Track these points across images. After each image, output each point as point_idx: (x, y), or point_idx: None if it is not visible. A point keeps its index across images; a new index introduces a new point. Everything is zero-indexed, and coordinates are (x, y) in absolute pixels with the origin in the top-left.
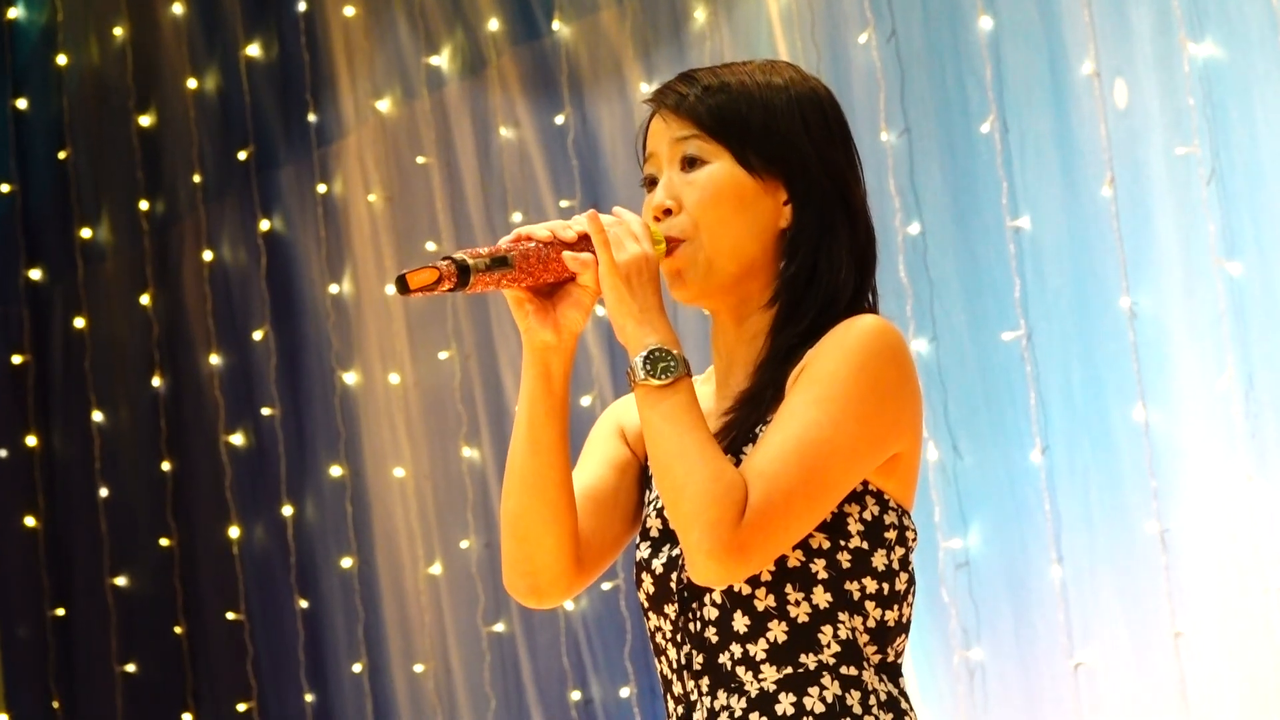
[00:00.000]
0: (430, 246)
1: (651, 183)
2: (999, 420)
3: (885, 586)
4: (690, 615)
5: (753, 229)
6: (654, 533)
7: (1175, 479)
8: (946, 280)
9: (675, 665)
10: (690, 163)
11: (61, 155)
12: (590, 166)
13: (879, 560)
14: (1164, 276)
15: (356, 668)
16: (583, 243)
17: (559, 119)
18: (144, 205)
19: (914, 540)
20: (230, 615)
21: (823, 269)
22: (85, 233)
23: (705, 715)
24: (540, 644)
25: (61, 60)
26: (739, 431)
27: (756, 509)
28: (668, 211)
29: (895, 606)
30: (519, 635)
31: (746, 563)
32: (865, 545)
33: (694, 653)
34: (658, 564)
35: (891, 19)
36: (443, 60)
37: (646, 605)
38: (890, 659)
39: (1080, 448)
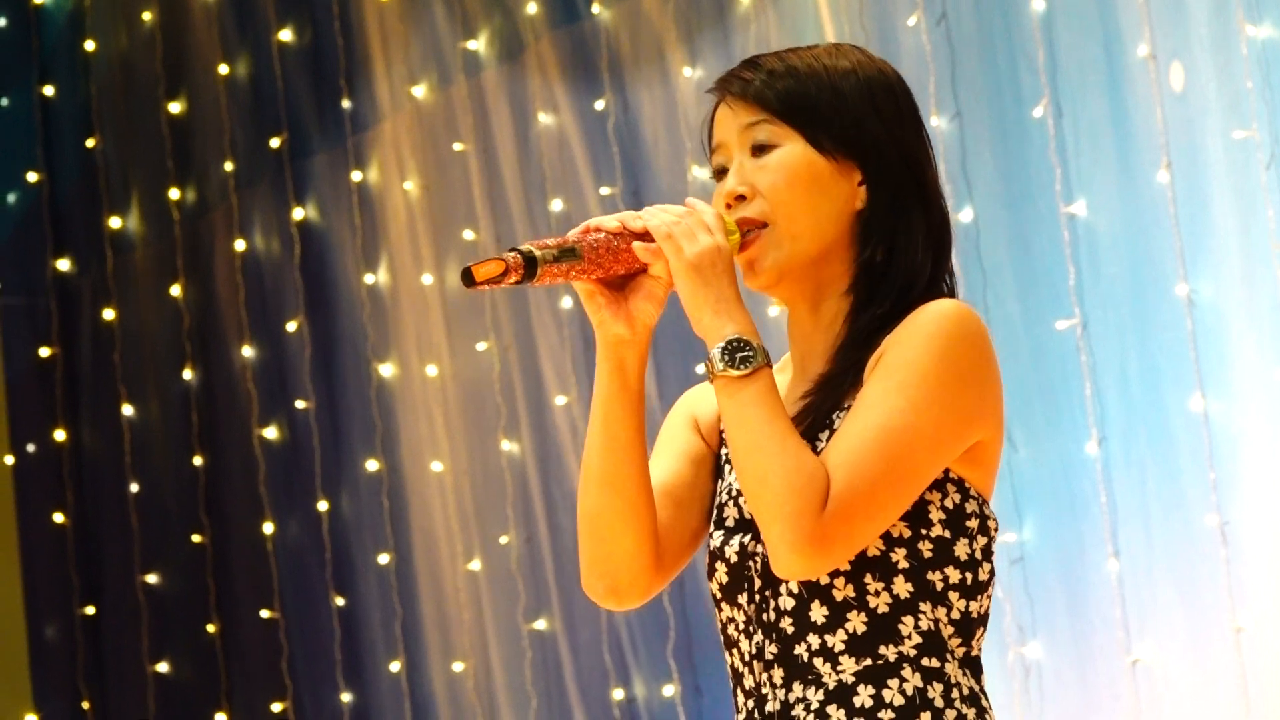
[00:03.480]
0: (468, 235)
1: (721, 173)
2: (1054, 411)
3: (969, 576)
4: (765, 605)
5: (829, 211)
6: (729, 521)
7: (1235, 470)
8: (999, 268)
9: (747, 658)
10: (760, 148)
11: (90, 143)
12: (631, 153)
13: (961, 549)
14: (1222, 263)
15: (394, 666)
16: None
17: (599, 104)
18: (174, 194)
19: (996, 530)
20: (264, 613)
21: (899, 252)
22: (114, 222)
23: (779, 707)
24: (582, 641)
25: (89, 46)
26: (815, 417)
27: (840, 499)
28: (740, 198)
29: (978, 597)
30: (560, 632)
31: (830, 554)
32: (947, 534)
33: (768, 644)
34: (731, 552)
35: (942, 1)
36: (480, 45)
37: (719, 596)
38: (973, 653)
39: (1137, 439)
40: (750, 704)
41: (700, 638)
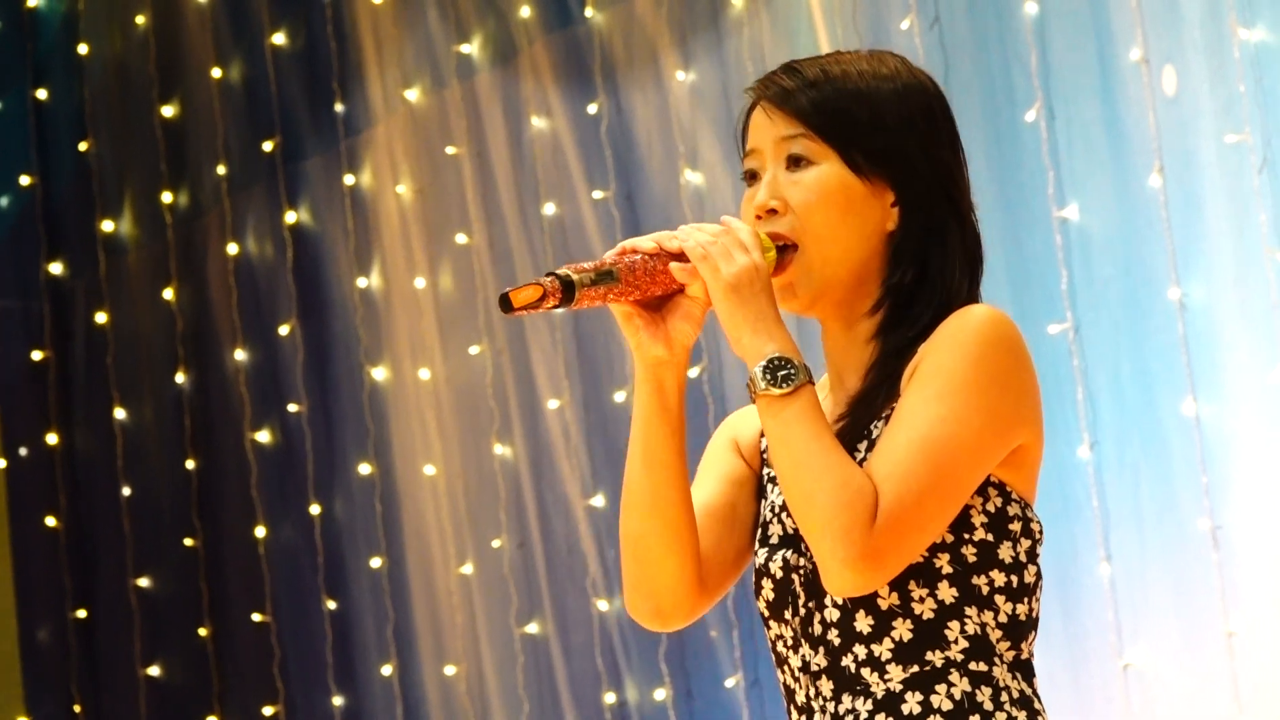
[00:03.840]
0: (461, 239)
1: (752, 177)
2: (1046, 415)
3: (1014, 579)
4: (811, 618)
5: (861, 232)
6: (774, 538)
7: (1227, 474)
8: (992, 271)
9: (796, 672)
10: (796, 162)
11: (83, 147)
12: (625, 157)
13: (1005, 553)
14: (1215, 267)
15: (386, 670)
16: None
17: (592, 108)
18: (167, 198)
19: (1040, 534)
20: (257, 616)
21: (933, 272)
22: (107, 226)
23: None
24: (574, 646)
25: (83, 49)
26: (852, 435)
27: (889, 512)
28: (772, 211)
29: (1025, 600)
30: (552, 637)
31: (883, 568)
32: (990, 538)
33: (815, 656)
34: (776, 568)
35: (935, 5)
36: (473, 48)
37: (767, 614)
38: (1024, 656)
39: (1129, 442)
40: (803, 719)
41: (692, 642)
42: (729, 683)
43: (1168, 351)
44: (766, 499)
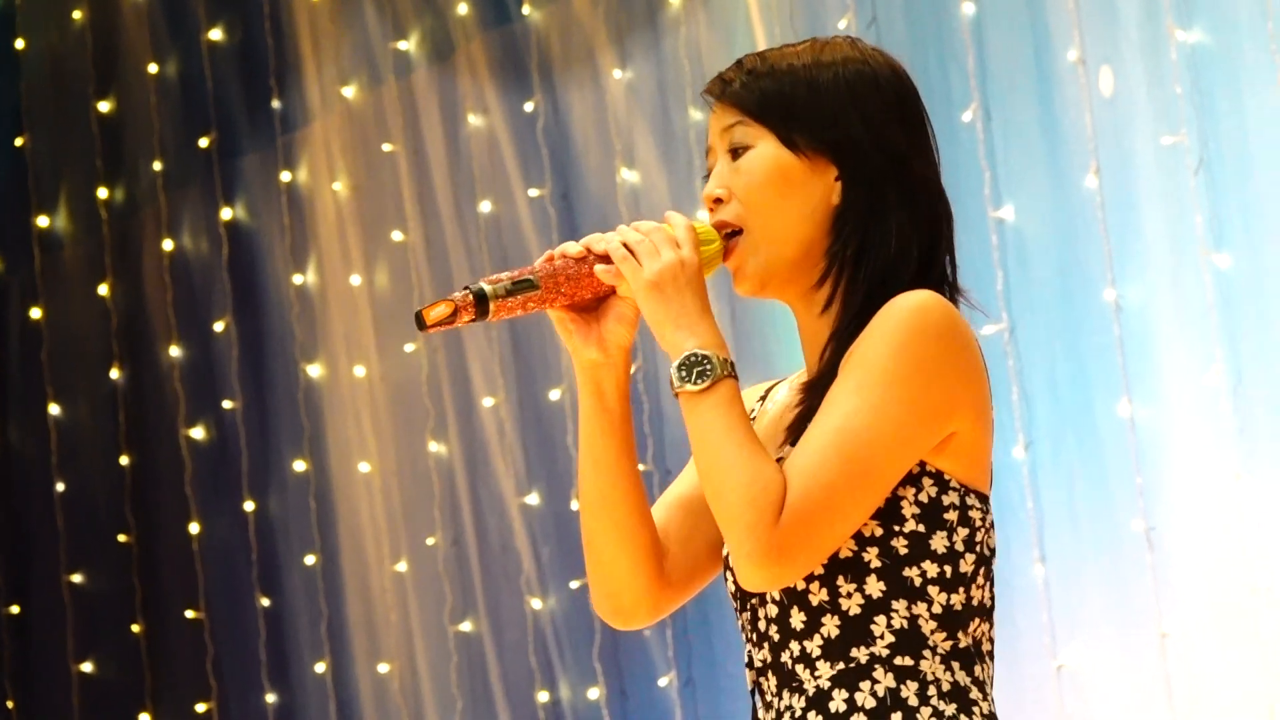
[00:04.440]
0: (397, 236)
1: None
2: None
3: (948, 569)
4: (755, 614)
5: (802, 209)
6: None
7: (1162, 476)
8: None
9: (749, 664)
10: (736, 150)
11: (18, 142)
12: (561, 154)
13: (939, 543)
14: (1150, 269)
15: (320, 667)
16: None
17: (529, 106)
18: (103, 193)
19: (982, 519)
20: (190, 613)
21: (871, 245)
22: (42, 221)
23: (774, 716)
24: (508, 644)
25: (19, 45)
26: (804, 420)
27: (794, 507)
28: (719, 201)
29: (962, 589)
30: (486, 635)
31: (792, 563)
32: (922, 528)
33: (760, 652)
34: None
35: (872, 5)
36: (410, 45)
37: (734, 603)
38: (963, 645)
39: (1064, 443)
40: (760, 710)
41: (625, 641)
42: (662, 681)
43: (1103, 353)
44: None
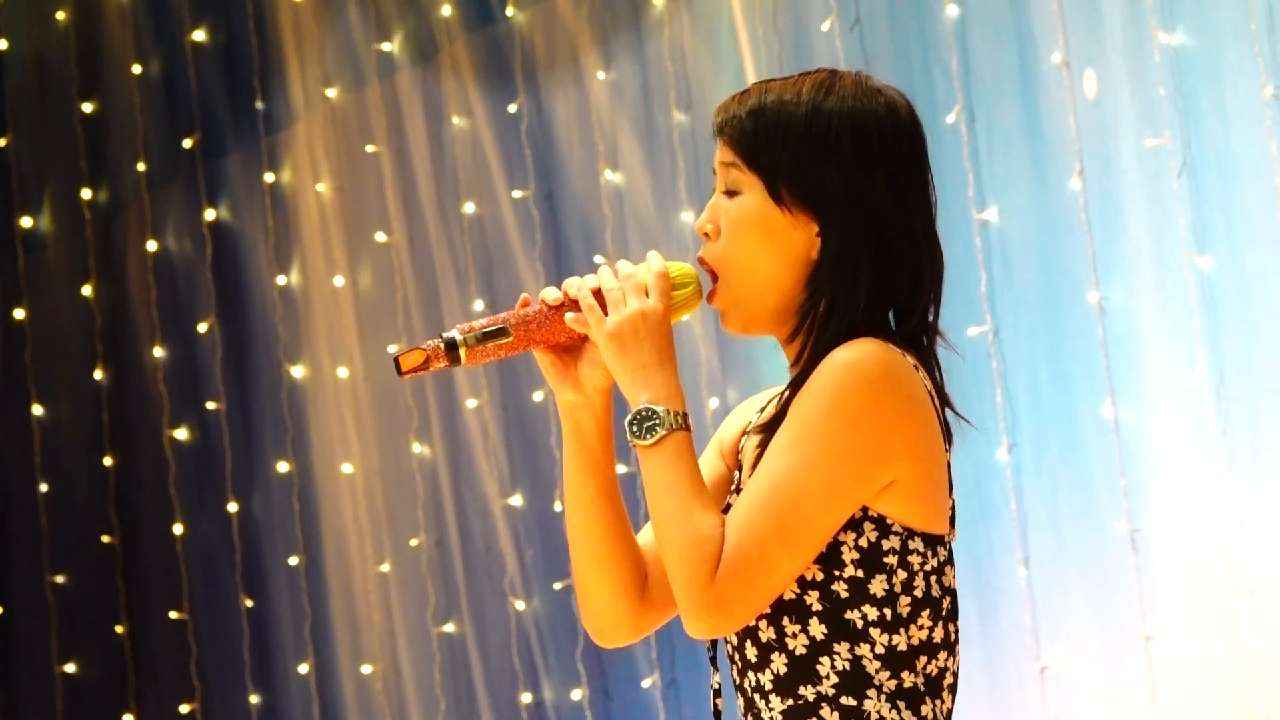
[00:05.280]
0: (380, 238)
1: None
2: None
3: (887, 612)
4: (725, 640)
5: (780, 262)
6: None
7: (1145, 478)
8: None
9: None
10: (730, 191)
11: (2, 143)
12: (544, 156)
13: (878, 587)
14: (1134, 271)
15: (303, 668)
16: (598, 297)
17: (512, 107)
18: (87, 194)
19: (924, 563)
20: (174, 614)
21: (839, 299)
22: (26, 221)
23: None
24: (491, 645)
25: (2, 45)
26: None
27: (729, 562)
28: (707, 235)
29: (903, 630)
30: (469, 636)
31: (729, 615)
32: (860, 573)
33: (733, 672)
34: None
35: (855, 6)
36: (394, 47)
37: None
38: (908, 684)
39: (1048, 446)
40: None
41: None
42: (645, 683)
43: (1087, 354)
44: None
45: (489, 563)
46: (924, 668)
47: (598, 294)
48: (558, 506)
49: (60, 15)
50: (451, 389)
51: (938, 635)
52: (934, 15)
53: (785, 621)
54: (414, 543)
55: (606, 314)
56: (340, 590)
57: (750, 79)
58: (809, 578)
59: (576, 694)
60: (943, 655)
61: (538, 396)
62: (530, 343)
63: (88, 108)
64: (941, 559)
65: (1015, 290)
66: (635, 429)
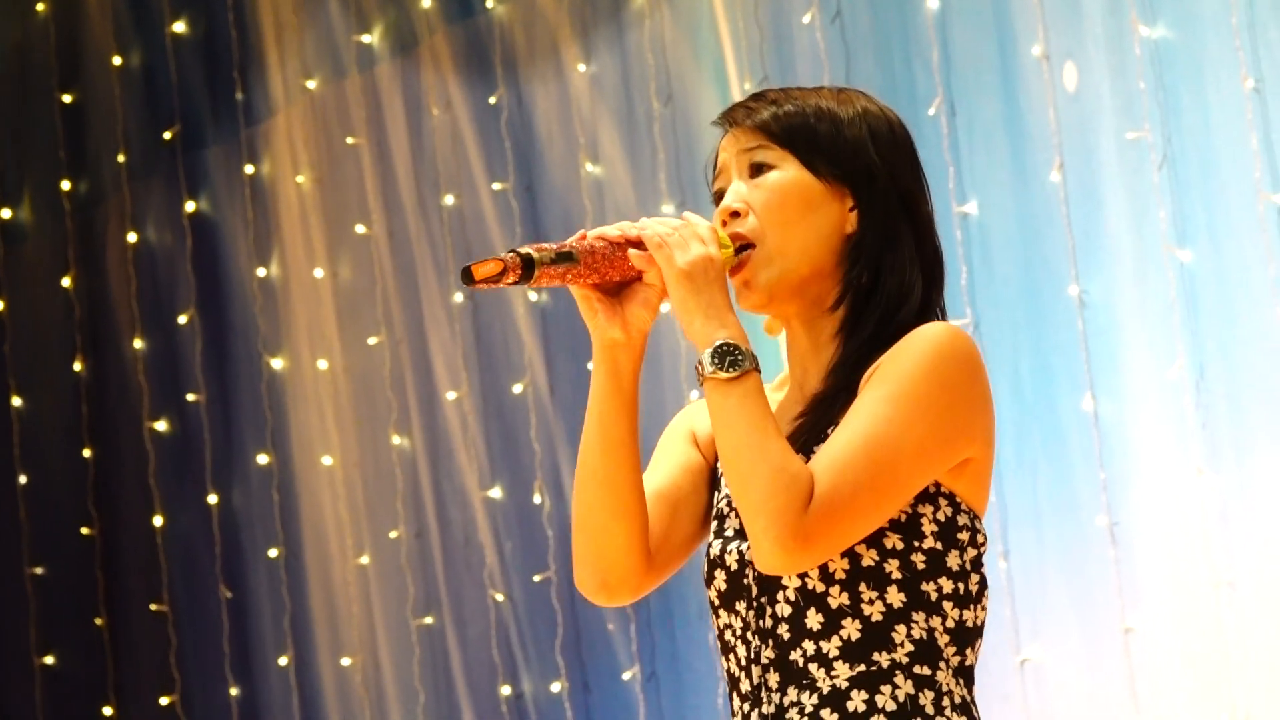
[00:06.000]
0: (360, 229)
1: (721, 197)
2: None
3: (960, 586)
4: (763, 612)
5: (819, 232)
6: (729, 530)
7: (1125, 471)
8: None
9: (744, 662)
10: (758, 169)
11: None
12: (524, 148)
13: (953, 561)
14: (1114, 264)
15: (282, 660)
16: None
17: (493, 99)
18: (66, 185)
19: (984, 544)
20: (153, 606)
21: (886, 274)
22: (5, 213)
23: (774, 710)
24: (470, 637)
25: None
26: (810, 434)
27: (822, 499)
28: (735, 214)
29: (971, 607)
30: (449, 628)
31: (811, 551)
32: (939, 546)
33: (765, 649)
34: (731, 560)
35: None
36: (374, 38)
37: (717, 603)
38: (968, 662)
39: (1028, 438)
40: (746, 707)
41: (588, 635)
42: (625, 675)
43: (1067, 348)
44: (720, 490)
45: (468, 555)
46: (976, 649)
47: None
48: (537, 499)
49: (40, 6)
50: (431, 381)
51: (984, 620)
52: (915, 8)
53: (862, 588)
54: (393, 535)
55: None
56: (320, 582)
57: (731, 72)
58: (889, 546)
59: (556, 686)
60: (979, 643)
61: (517, 389)
62: (592, 273)
63: (67, 99)
64: (986, 547)
65: (995, 283)
66: (718, 362)
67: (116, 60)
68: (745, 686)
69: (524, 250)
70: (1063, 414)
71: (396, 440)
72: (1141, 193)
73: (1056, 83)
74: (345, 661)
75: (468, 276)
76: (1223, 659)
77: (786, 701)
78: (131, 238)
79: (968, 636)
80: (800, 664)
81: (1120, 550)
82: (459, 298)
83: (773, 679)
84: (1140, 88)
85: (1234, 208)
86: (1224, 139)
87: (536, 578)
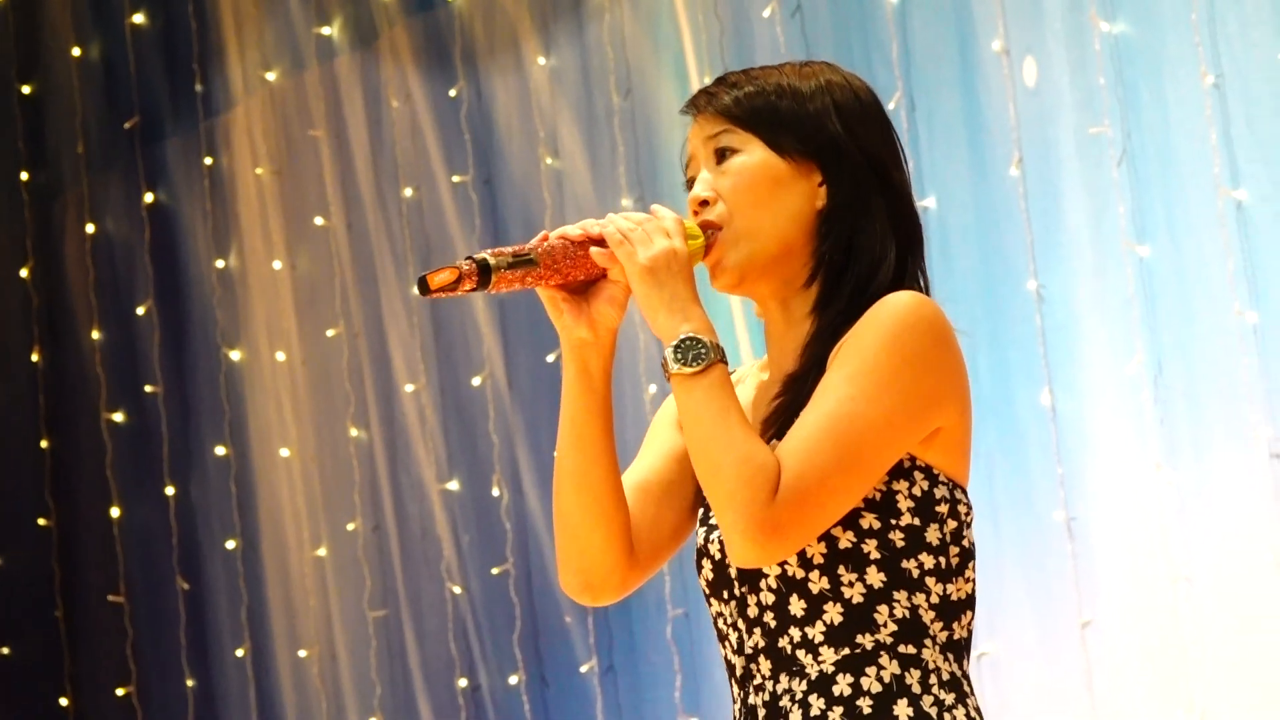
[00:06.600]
0: (319, 221)
1: (691, 184)
2: None
3: (942, 560)
4: (746, 601)
5: (788, 210)
6: (714, 519)
7: (1083, 466)
8: None
9: (737, 649)
10: (723, 155)
11: None
12: (484, 140)
13: (932, 535)
14: (1073, 259)
15: (239, 652)
16: None
17: (452, 92)
18: (25, 176)
19: (968, 514)
20: (110, 597)
21: (859, 246)
22: None
23: (768, 698)
24: (427, 630)
25: None
26: (786, 415)
27: (789, 487)
28: (704, 203)
29: (954, 580)
30: (406, 621)
31: (783, 541)
32: (917, 521)
33: (752, 637)
34: (714, 549)
35: None
36: (334, 30)
37: (707, 591)
38: (956, 636)
39: (985, 433)
40: (743, 694)
41: (546, 628)
42: (583, 668)
43: (1024, 342)
44: None
45: (426, 548)
46: (966, 623)
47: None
48: (495, 491)
49: None
50: (389, 374)
51: (972, 592)
52: (874, 2)
53: (841, 570)
54: (351, 527)
55: None
56: (277, 574)
57: (691, 65)
58: (866, 526)
59: (513, 679)
60: (969, 615)
61: (475, 382)
62: (553, 274)
63: (26, 90)
64: (972, 515)
65: (954, 278)
66: (681, 357)
67: (76, 51)
68: (740, 673)
69: (479, 256)
70: (1020, 409)
71: (354, 432)
72: (1101, 188)
73: (1016, 78)
74: (302, 653)
75: (423, 287)
76: (1180, 654)
77: (779, 689)
78: (90, 229)
79: (954, 610)
80: (789, 651)
81: (1078, 545)
82: (417, 292)
83: (764, 666)
84: (1100, 83)
85: (1193, 203)
86: (1183, 134)
87: (494, 570)
